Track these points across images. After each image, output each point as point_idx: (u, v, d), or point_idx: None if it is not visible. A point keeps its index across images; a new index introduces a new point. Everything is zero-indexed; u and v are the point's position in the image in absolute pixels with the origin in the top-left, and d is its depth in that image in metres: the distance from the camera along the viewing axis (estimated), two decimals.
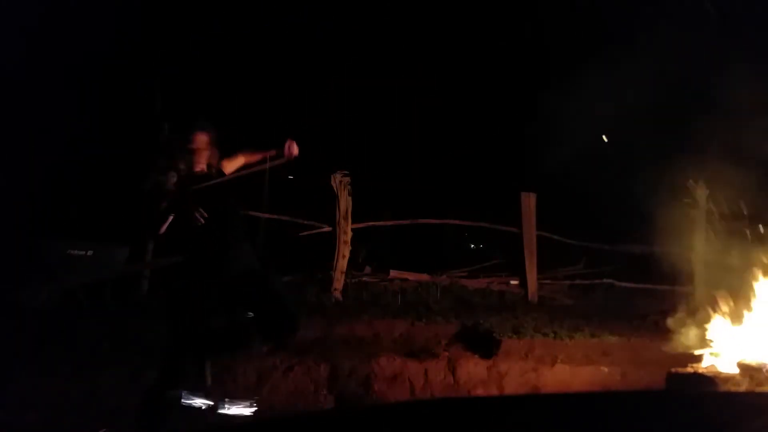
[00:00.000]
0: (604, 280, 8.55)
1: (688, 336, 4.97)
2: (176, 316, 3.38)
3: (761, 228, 5.41)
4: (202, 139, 3.39)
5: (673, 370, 4.48)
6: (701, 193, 8.04)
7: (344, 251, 6.85)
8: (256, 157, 3.46)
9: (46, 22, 7.93)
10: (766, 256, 4.90)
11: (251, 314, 3.40)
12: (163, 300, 5.86)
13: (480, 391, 5.01)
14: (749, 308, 4.73)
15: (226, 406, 3.42)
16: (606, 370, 5.35)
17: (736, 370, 4.35)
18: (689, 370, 4.47)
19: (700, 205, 8.03)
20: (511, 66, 10.99)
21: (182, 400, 3.29)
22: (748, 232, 5.55)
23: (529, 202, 7.86)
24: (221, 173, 3.44)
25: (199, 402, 3.32)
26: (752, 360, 4.37)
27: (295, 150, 3.35)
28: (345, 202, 6.87)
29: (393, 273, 7.37)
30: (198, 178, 3.38)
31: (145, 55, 8.97)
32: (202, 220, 3.16)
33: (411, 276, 7.42)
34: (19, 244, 5.65)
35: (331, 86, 10.66)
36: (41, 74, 7.85)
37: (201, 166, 3.41)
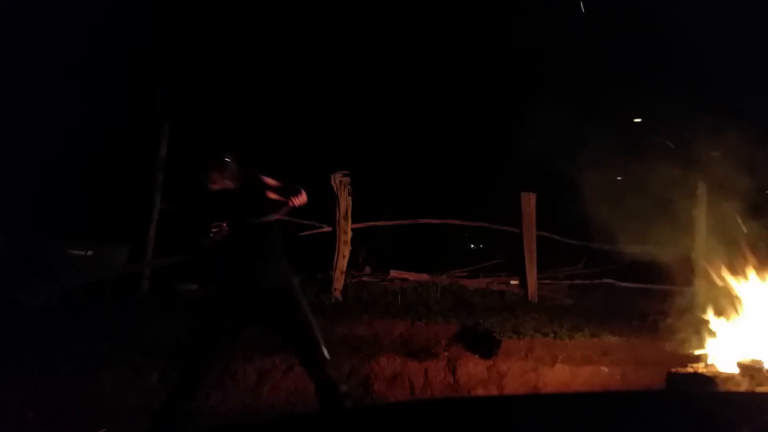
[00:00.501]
0: (604, 280, 8.55)
1: (687, 336, 4.97)
2: (202, 323, 3.43)
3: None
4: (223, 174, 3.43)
5: (673, 370, 4.48)
6: (701, 192, 8.04)
7: (344, 251, 6.85)
8: (283, 189, 3.43)
9: (47, 22, 7.92)
10: (765, 255, 4.91)
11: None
12: (162, 300, 5.90)
13: (480, 391, 5.00)
14: (749, 307, 4.73)
15: None
16: (606, 370, 5.35)
17: (736, 370, 4.35)
18: (689, 370, 4.47)
19: (700, 205, 8.03)
20: (510, 65, 10.98)
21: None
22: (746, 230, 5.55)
23: (529, 202, 7.86)
24: (260, 186, 3.43)
25: None
26: (752, 360, 4.37)
27: (299, 201, 3.35)
28: (345, 202, 6.87)
29: (393, 273, 7.38)
30: (236, 194, 3.42)
31: (145, 55, 8.96)
32: (223, 233, 3.22)
33: (411, 276, 7.42)
34: (19, 244, 5.65)
35: (332, 86, 10.66)
36: (42, 74, 7.84)
37: (225, 185, 3.43)
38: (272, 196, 3.40)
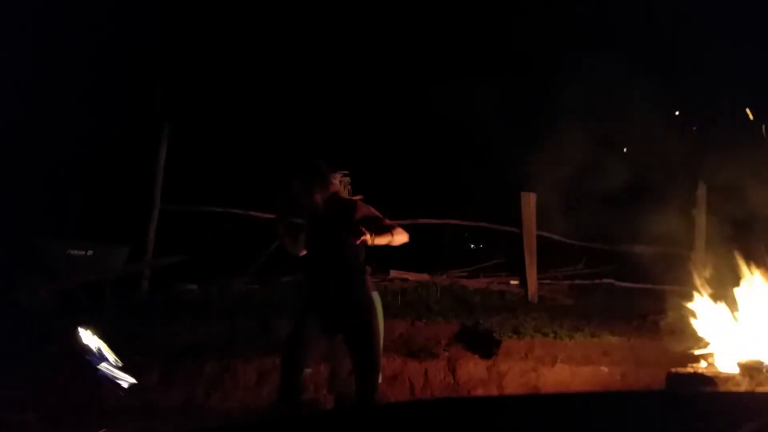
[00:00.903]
0: (604, 280, 8.54)
1: (687, 336, 4.97)
2: (291, 333, 3.56)
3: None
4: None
5: (673, 370, 4.49)
6: (701, 192, 8.05)
7: None
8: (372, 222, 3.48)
9: (46, 22, 7.92)
10: (765, 254, 4.91)
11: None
12: (162, 300, 5.90)
13: (480, 391, 5.01)
14: (749, 307, 4.73)
15: None
16: (606, 370, 5.36)
17: (736, 370, 4.35)
18: (689, 370, 4.48)
19: (701, 205, 8.04)
20: (506, 64, 10.98)
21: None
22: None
23: (529, 202, 7.85)
24: (351, 209, 3.49)
25: None
26: (752, 360, 4.37)
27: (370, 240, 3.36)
28: None
29: (393, 273, 7.36)
30: (326, 210, 3.50)
31: (145, 55, 8.96)
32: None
33: (411, 276, 7.41)
34: (19, 244, 5.65)
35: (332, 86, 10.66)
36: (41, 74, 7.84)
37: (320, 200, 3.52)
38: (359, 216, 3.47)
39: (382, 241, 3.37)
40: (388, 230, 3.41)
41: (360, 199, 3.62)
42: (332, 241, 3.44)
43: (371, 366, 3.46)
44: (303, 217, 3.58)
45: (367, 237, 3.28)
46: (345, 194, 3.67)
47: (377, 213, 3.53)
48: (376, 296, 3.55)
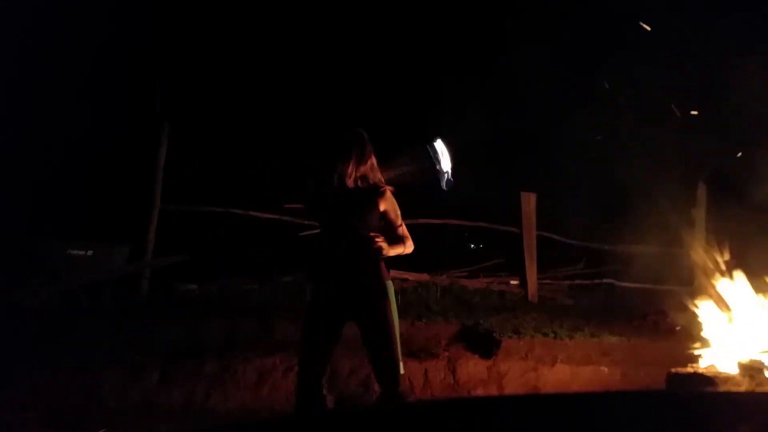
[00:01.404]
0: (604, 280, 8.56)
1: (687, 336, 4.97)
2: (304, 341, 3.34)
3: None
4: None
5: (673, 370, 4.49)
6: (701, 191, 8.05)
7: None
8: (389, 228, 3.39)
9: (46, 22, 7.92)
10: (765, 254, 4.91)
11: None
12: (162, 300, 5.90)
13: (480, 391, 5.01)
14: (749, 307, 4.73)
15: None
16: (606, 370, 5.36)
17: (736, 370, 4.35)
18: (689, 370, 4.48)
19: (700, 205, 8.05)
20: (505, 61, 10.98)
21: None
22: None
23: (529, 202, 7.86)
24: (379, 195, 3.33)
25: None
26: (752, 360, 4.37)
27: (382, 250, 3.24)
28: None
29: (393, 273, 7.34)
30: (349, 192, 3.29)
31: (145, 55, 8.96)
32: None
33: (411, 276, 7.41)
34: (19, 244, 5.65)
35: (333, 84, 10.66)
36: (41, 74, 7.84)
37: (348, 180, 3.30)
38: (382, 208, 3.34)
39: (393, 252, 3.27)
40: (401, 240, 3.32)
41: (392, 191, 3.38)
42: (352, 220, 3.23)
43: (390, 355, 3.24)
44: (329, 187, 3.27)
45: (383, 246, 3.17)
46: (380, 177, 3.37)
47: (398, 213, 3.38)
48: (389, 284, 3.34)
